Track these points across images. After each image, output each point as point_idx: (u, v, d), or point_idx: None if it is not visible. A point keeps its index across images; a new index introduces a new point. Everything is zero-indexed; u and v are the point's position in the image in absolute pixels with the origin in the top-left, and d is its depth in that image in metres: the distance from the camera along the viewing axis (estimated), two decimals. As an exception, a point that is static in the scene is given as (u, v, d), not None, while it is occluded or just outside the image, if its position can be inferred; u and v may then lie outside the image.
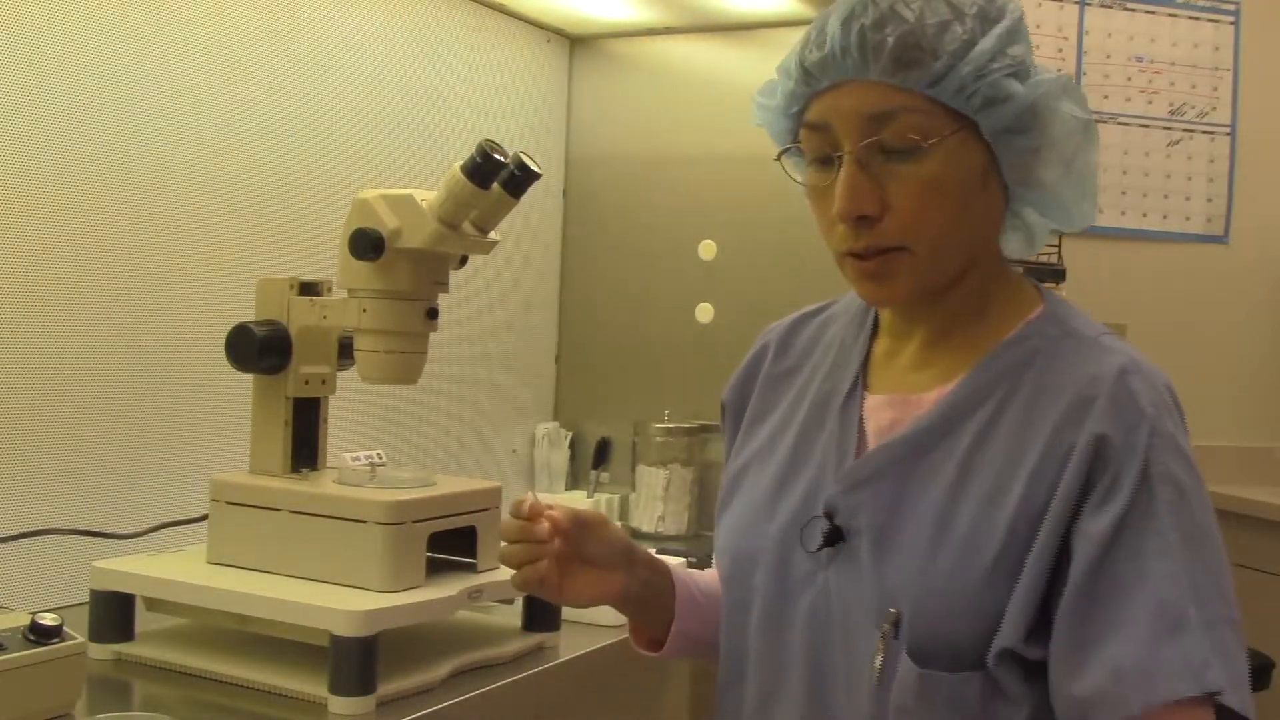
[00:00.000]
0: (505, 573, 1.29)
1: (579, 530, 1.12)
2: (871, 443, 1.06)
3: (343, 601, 1.32)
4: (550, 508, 1.12)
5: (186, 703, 1.31)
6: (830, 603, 1.04)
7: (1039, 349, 1.02)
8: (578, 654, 1.54)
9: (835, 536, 1.03)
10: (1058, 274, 2.77)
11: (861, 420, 1.08)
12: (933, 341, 1.07)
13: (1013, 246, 1.06)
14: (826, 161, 1.01)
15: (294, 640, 1.36)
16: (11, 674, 1.17)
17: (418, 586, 1.40)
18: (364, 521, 1.39)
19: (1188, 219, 3.43)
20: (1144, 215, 3.40)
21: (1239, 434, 3.49)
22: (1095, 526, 0.93)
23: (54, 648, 1.21)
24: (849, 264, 1.02)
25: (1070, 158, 1.01)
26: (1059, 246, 2.79)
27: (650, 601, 1.19)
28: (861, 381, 1.10)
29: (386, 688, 1.32)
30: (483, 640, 1.50)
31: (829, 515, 1.04)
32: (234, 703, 1.32)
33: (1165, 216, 3.41)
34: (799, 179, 1.06)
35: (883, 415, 1.07)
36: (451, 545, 1.48)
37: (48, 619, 1.21)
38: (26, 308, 1.59)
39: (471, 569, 1.49)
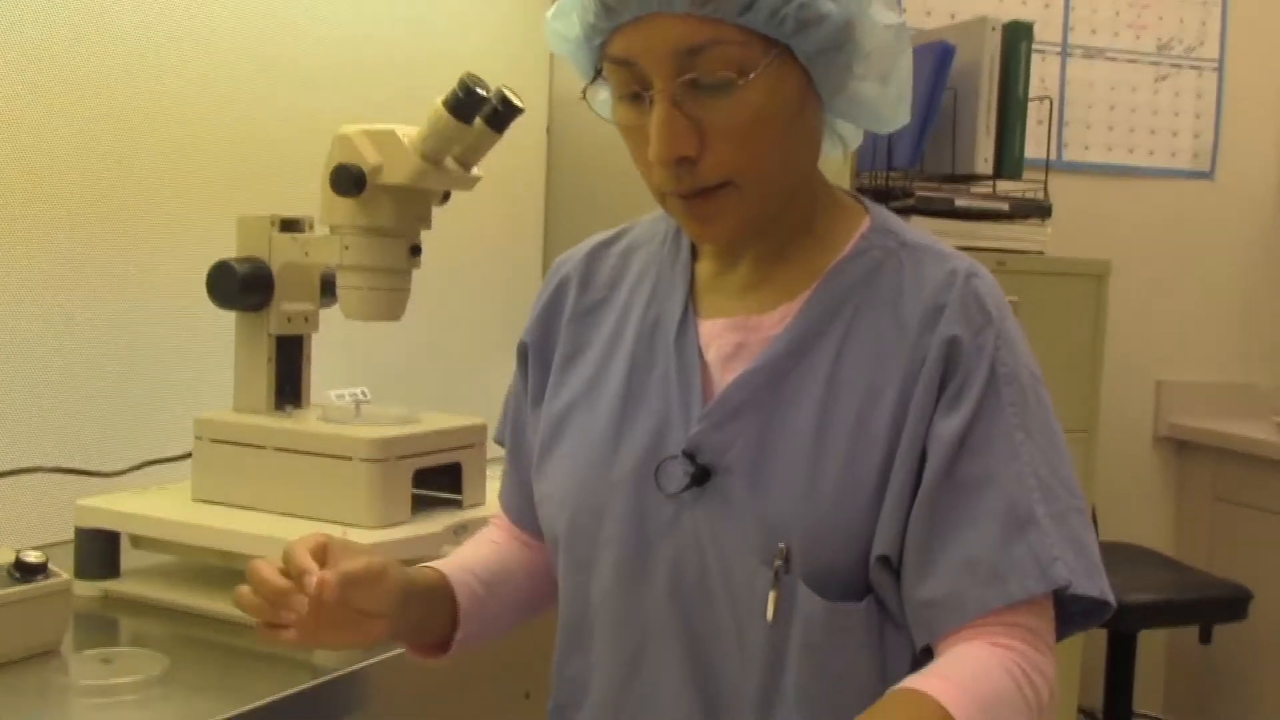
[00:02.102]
0: (490, 508, 1.29)
1: (347, 589, 0.94)
2: (715, 371, 1.01)
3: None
4: (318, 570, 0.94)
5: (174, 638, 1.32)
6: (701, 546, 0.98)
7: (880, 261, 1.01)
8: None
9: (703, 476, 0.98)
10: (1043, 210, 2.76)
11: (699, 348, 1.03)
12: (764, 263, 1.03)
13: (826, 153, 1.05)
14: (636, 98, 0.94)
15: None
16: (-3, 611, 1.17)
17: (403, 523, 1.40)
18: (349, 459, 1.39)
19: (1174, 155, 3.43)
20: (1130, 151, 3.39)
21: (1223, 369, 3.51)
22: (945, 428, 0.94)
23: (39, 584, 1.21)
24: (673, 203, 0.98)
25: (887, 69, 0.98)
26: (1044, 182, 2.79)
27: (426, 622, 1.08)
28: (691, 307, 1.05)
29: (373, 623, 1.32)
30: (469, 576, 1.51)
31: (690, 454, 0.99)
32: (221, 638, 1.32)
33: (1152, 153, 3.41)
34: (607, 116, 1.01)
35: (724, 341, 1.02)
36: (436, 482, 1.48)
37: (32, 556, 1.21)
38: (4, 246, 1.57)
39: (457, 505, 1.49)
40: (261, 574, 0.94)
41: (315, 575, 0.92)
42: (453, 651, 1.09)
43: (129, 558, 1.47)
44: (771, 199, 0.98)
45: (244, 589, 0.96)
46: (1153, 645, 3.37)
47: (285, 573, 0.94)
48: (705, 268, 1.07)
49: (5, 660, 1.18)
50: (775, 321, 1.01)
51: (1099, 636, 2.98)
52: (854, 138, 1.07)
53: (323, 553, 0.96)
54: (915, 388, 0.95)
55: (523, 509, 1.18)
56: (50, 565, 1.23)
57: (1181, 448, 3.45)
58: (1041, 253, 2.71)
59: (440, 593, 1.09)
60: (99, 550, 1.44)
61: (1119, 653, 3.05)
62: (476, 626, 1.10)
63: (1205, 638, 2.98)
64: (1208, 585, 2.97)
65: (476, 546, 1.20)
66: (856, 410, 0.96)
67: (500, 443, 1.23)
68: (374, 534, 1.35)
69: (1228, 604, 2.92)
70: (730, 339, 1.02)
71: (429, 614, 1.07)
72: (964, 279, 0.98)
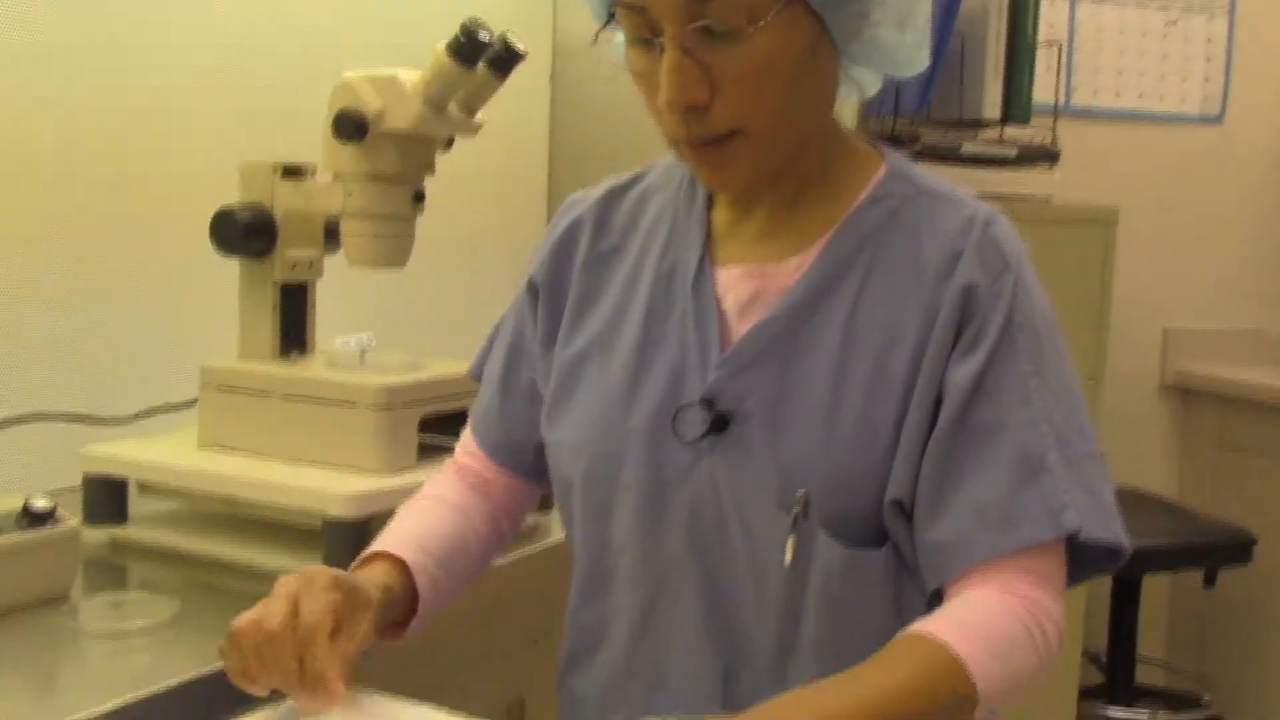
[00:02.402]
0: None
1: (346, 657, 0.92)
2: (732, 319, 1.01)
3: (335, 484, 1.33)
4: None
5: (183, 583, 1.33)
6: (718, 493, 0.98)
7: (897, 208, 1.00)
8: (569, 535, 1.56)
9: (721, 423, 0.98)
10: (1051, 156, 2.74)
11: (717, 296, 1.03)
12: (780, 210, 1.03)
13: (843, 99, 1.03)
14: (647, 43, 0.94)
15: (289, 522, 1.37)
16: (6, 557, 1.18)
17: (409, 469, 1.41)
18: (355, 405, 1.39)
19: (1184, 100, 3.40)
20: (1140, 96, 3.36)
21: (1231, 316, 3.50)
22: (960, 374, 0.94)
23: (48, 531, 1.22)
24: (685, 151, 0.97)
25: (904, 14, 0.97)
26: (1053, 128, 2.76)
27: (386, 618, 1.02)
28: (708, 255, 1.05)
29: (380, 568, 1.33)
30: (475, 522, 1.52)
31: (708, 401, 0.99)
32: (230, 583, 1.33)
33: (1161, 98, 3.37)
34: (619, 61, 1.00)
35: (741, 289, 1.01)
36: (442, 428, 1.48)
37: (40, 502, 1.22)
38: (7, 193, 1.57)
39: (463, 452, 1.50)
40: (255, 636, 0.90)
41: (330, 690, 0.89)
42: (406, 636, 1.05)
43: (136, 504, 1.47)
44: (784, 147, 0.97)
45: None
46: (1157, 590, 3.39)
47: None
48: (721, 215, 1.06)
49: (16, 606, 1.19)
50: (792, 269, 1.00)
51: (1103, 581, 2.99)
52: (872, 83, 1.05)
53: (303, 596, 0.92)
54: (932, 334, 0.95)
55: (501, 442, 1.17)
56: (58, 511, 1.23)
57: (1187, 394, 3.45)
58: (1049, 199, 2.70)
59: (402, 592, 1.03)
60: (106, 497, 1.45)
61: (1123, 597, 3.07)
62: (432, 610, 1.06)
63: (1209, 582, 2.99)
64: (1212, 530, 2.98)
65: (433, 516, 1.13)
66: (874, 357, 0.96)
67: (477, 377, 1.21)
68: (380, 480, 1.36)
69: (1231, 549, 2.93)
70: (746, 287, 1.01)
71: (390, 614, 1.02)
72: (982, 225, 0.98)
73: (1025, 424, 0.93)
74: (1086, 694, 2.99)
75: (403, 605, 1.03)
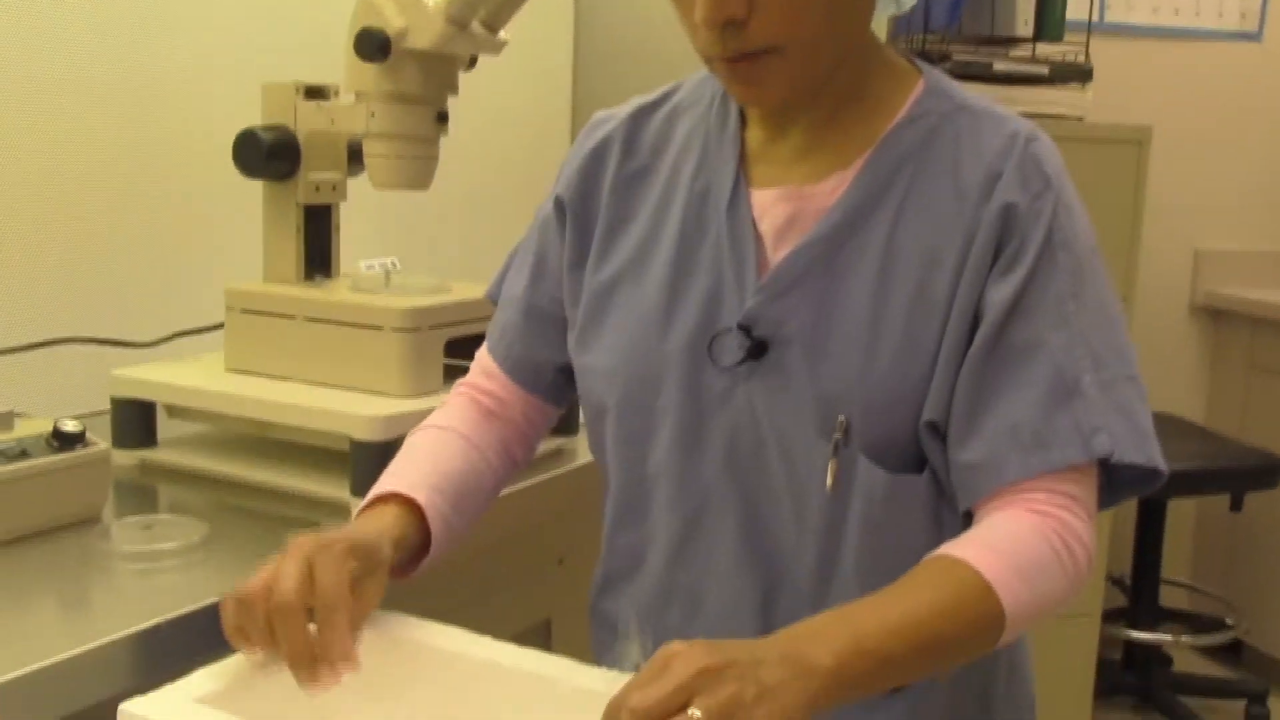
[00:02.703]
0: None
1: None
2: (769, 242, 0.99)
3: (361, 407, 1.34)
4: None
5: (212, 506, 1.34)
6: (757, 419, 0.97)
7: (936, 126, 0.98)
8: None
9: (759, 349, 0.97)
10: (1084, 73, 2.69)
11: (753, 219, 1.00)
12: (816, 129, 1.00)
13: (879, 13, 1.01)
14: None
15: (316, 445, 1.38)
16: (37, 479, 1.19)
17: (435, 392, 1.41)
18: (380, 328, 1.39)
19: (1221, 16, 3.32)
20: (1176, 13, 3.29)
21: (1263, 237, 3.46)
22: (998, 294, 0.92)
23: (78, 453, 1.22)
24: (719, 67, 0.95)
25: None
26: (1086, 45, 2.71)
27: (397, 562, 0.99)
28: (743, 177, 1.02)
29: (407, 491, 1.34)
30: (501, 445, 1.52)
31: (746, 327, 0.97)
32: (259, 505, 1.34)
33: (1198, 14, 3.30)
34: None
35: (777, 211, 0.99)
36: (468, 351, 1.48)
37: (70, 425, 1.23)
38: (33, 117, 1.56)
39: (488, 375, 1.50)
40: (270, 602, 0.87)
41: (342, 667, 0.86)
42: (413, 577, 1.03)
43: (165, 427, 1.48)
44: (820, 63, 0.95)
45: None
46: (1182, 513, 3.39)
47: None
48: (755, 135, 1.03)
49: (48, 527, 1.21)
50: (829, 191, 0.98)
51: (1128, 504, 3.00)
52: None
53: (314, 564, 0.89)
54: (970, 254, 0.93)
55: (522, 362, 1.14)
56: (88, 434, 1.24)
57: (1217, 316, 3.42)
58: (1081, 118, 2.65)
59: (415, 536, 1.01)
60: (135, 420, 1.45)
61: (1149, 520, 3.07)
62: (442, 552, 1.04)
63: (1236, 505, 2.99)
64: (1239, 454, 2.97)
65: (446, 451, 1.10)
66: (915, 279, 0.94)
67: (494, 299, 1.19)
68: (406, 403, 1.36)
69: (1259, 472, 2.92)
70: (783, 210, 0.99)
71: (401, 558, 1.00)
72: (1024, 143, 0.95)
73: (1061, 345, 0.92)
74: (1109, 616, 3.01)
75: (414, 549, 1.01)
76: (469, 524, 1.09)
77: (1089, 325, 0.93)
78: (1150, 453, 0.93)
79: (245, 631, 0.87)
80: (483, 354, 1.18)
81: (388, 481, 1.04)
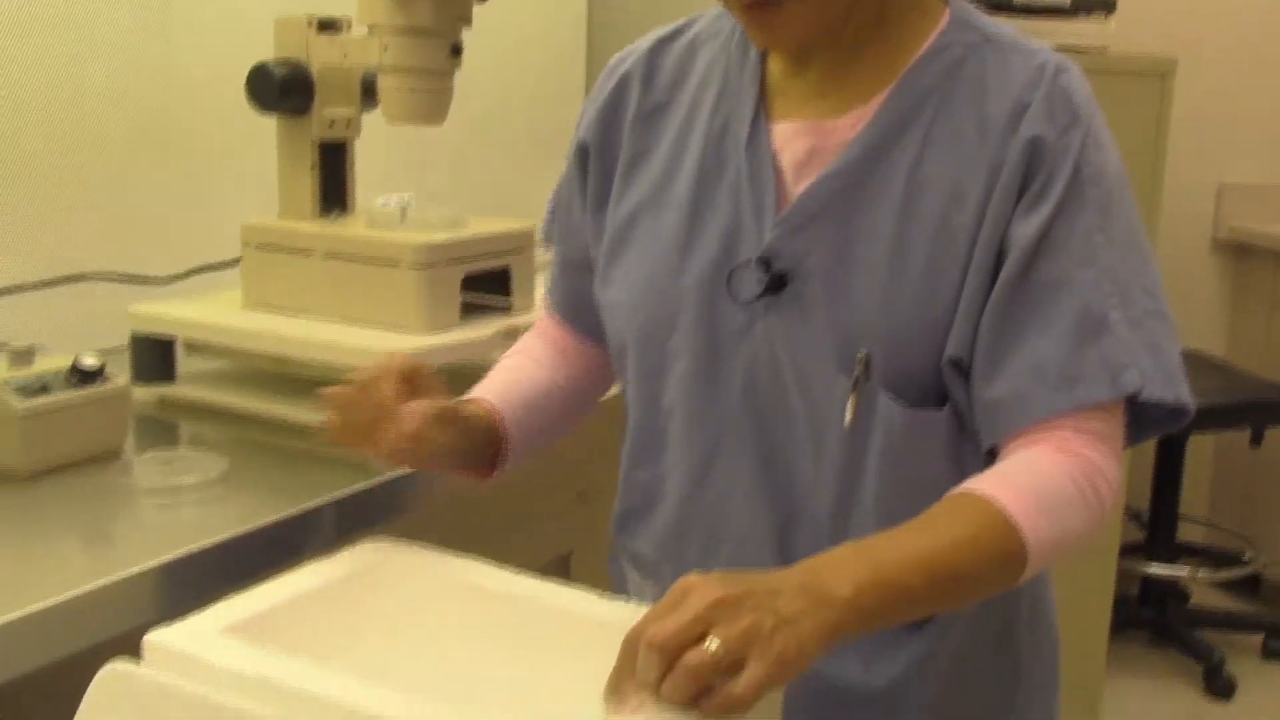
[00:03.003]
0: (540, 313, 1.28)
1: (429, 425, 0.95)
2: (789, 176, 0.97)
3: (379, 342, 1.34)
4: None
5: (232, 441, 1.35)
6: (775, 355, 0.97)
7: (961, 58, 0.96)
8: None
9: (778, 283, 0.96)
10: (1107, 4, 2.64)
11: (773, 153, 0.99)
12: (838, 63, 0.98)
13: None
14: None
15: (334, 380, 1.38)
16: (58, 414, 1.19)
17: (453, 327, 1.41)
18: (397, 264, 1.39)
19: (1250, -59, 3.26)
20: (1204, -62, 3.22)
21: (1286, 171, 3.41)
22: (1024, 230, 0.91)
23: (98, 389, 1.23)
24: (736, 11, 0.94)
25: None
26: (1110, -26, 2.66)
27: (475, 455, 1.05)
28: (762, 110, 1.00)
29: (425, 426, 1.34)
30: (519, 380, 1.52)
31: (765, 261, 0.96)
32: (278, 440, 1.35)
33: (1227, -61, 3.24)
34: None
35: (797, 146, 0.97)
36: (485, 286, 1.48)
37: (89, 360, 1.23)
38: (45, 56, 1.55)
39: (506, 310, 1.49)
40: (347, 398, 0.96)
41: (407, 410, 0.94)
42: (492, 480, 1.08)
43: (183, 363, 1.49)
44: (837, 6, 0.93)
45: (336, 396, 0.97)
46: (1202, 448, 3.38)
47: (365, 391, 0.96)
48: (775, 68, 1.02)
49: (70, 462, 1.22)
50: (850, 125, 0.96)
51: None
52: None
53: (413, 377, 0.97)
54: (996, 188, 0.92)
55: (571, 306, 1.16)
56: (107, 369, 1.25)
57: (1240, 251, 3.39)
58: (1104, 49, 2.61)
59: (492, 432, 1.06)
60: (154, 356, 1.46)
61: (1168, 455, 3.07)
62: (520, 448, 1.08)
63: (1256, 440, 2.98)
64: (1260, 388, 2.96)
65: (515, 369, 1.15)
66: (938, 213, 0.93)
67: (548, 239, 1.20)
68: (423, 339, 1.36)
69: (1279, 407, 2.91)
70: (803, 144, 0.98)
71: (479, 449, 1.05)
72: (1052, 75, 0.93)
73: (1088, 281, 0.90)
74: (1127, 551, 3.01)
75: (490, 449, 1.06)
76: (546, 429, 1.13)
77: (1117, 261, 0.92)
78: (1178, 390, 0.92)
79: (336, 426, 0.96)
80: (546, 297, 1.21)
81: (476, 390, 1.10)
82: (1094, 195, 0.92)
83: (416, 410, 0.94)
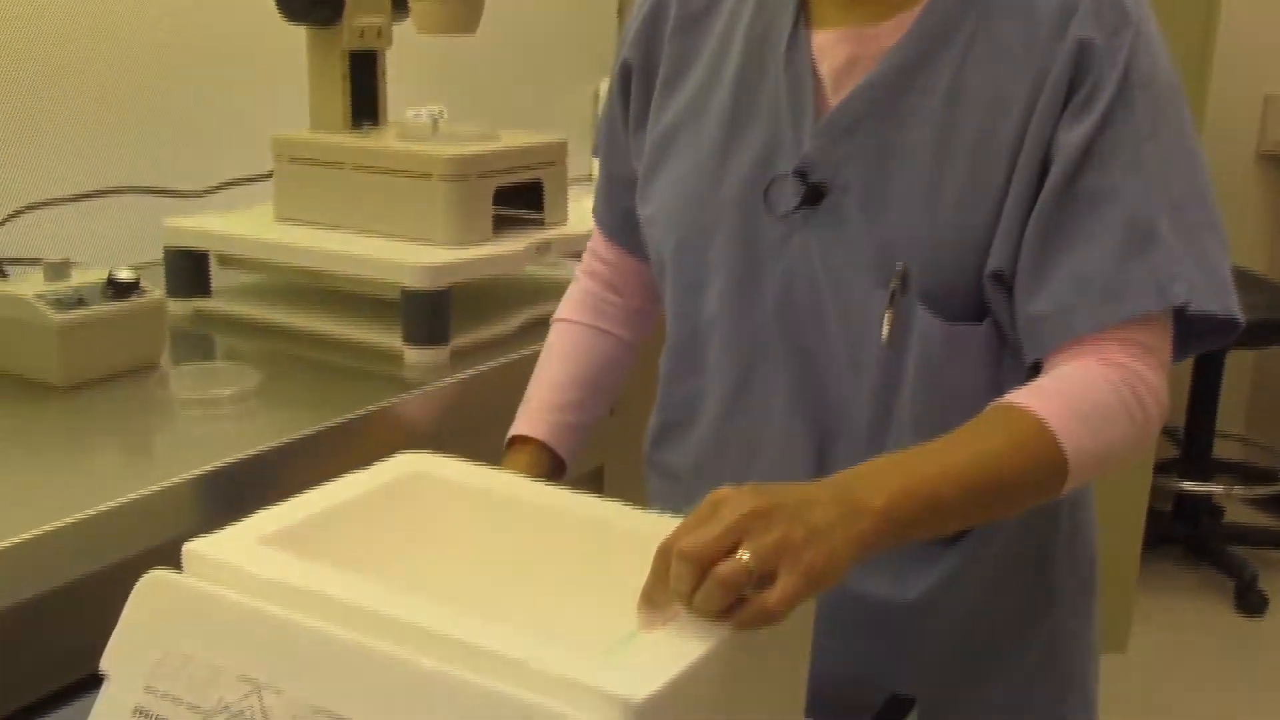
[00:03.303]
0: (573, 227, 1.28)
1: None
2: (828, 85, 0.94)
3: (412, 256, 1.33)
4: None
5: (267, 354, 1.35)
6: (813, 268, 0.95)
7: None
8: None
9: (815, 195, 0.94)
10: (1155, -92, 2.57)
11: (812, 61, 0.96)
12: None
13: None
14: None
15: (367, 294, 1.38)
16: (95, 327, 1.20)
17: (485, 241, 1.40)
18: (428, 176, 1.38)
19: None
20: None
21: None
22: (1071, 137, 0.88)
23: (134, 302, 1.24)
24: None
25: None
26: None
27: None
28: (802, 17, 0.97)
29: (460, 339, 1.35)
30: (552, 293, 1.51)
31: (802, 173, 0.95)
32: (313, 354, 1.35)
33: None
34: None
35: (837, 53, 0.94)
36: (517, 200, 1.47)
37: (125, 274, 1.24)
38: (71, -40, 1.54)
39: (538, 224, 1.49)
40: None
41: None
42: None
43: (217, 277, 1.49)
44: None
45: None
46: (1240, 364, 3.35)
47: None
48: None
49: (108, 374, 1.23)
50: (891, 31, 0.93)
51: (1185, 356, 2.96)
52: None
53: None
54: (1041, 94, 0.89)
55: (617, 226, 1.15)
56: (143, 282, 1.25)
57: (1285, 164, 3.32)
58: (1150, -45, 2.54)
59: (549, 464, 1.08)
60: (189, 269, 1.46)
61: (1205, 371, 3.04)
62: (583, 449, 1.12)
63: (1295, 357, 2.95)
64: (1302, 305, 2.91)
65: (571, 352, 1.15)
66: (980, 123, 0.90)
67: (597, 155, 1.18)
68: (456, 252, 1.35)
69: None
70: (843, 51, 0.95)
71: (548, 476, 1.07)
72: None
73: (1137, 191, 0.88)
74: (1161, 467, 3.00)
75: (555, 468, 1.08)
76: (608, 403, 1.14)
77: (1168, 168, 0.89)
78: (1228, 303, 0.90)
79: None
80: (595, 229, 1.19)
81: (520, 419, 1.10)
82: (1143, 100, 0.89)
83: None
